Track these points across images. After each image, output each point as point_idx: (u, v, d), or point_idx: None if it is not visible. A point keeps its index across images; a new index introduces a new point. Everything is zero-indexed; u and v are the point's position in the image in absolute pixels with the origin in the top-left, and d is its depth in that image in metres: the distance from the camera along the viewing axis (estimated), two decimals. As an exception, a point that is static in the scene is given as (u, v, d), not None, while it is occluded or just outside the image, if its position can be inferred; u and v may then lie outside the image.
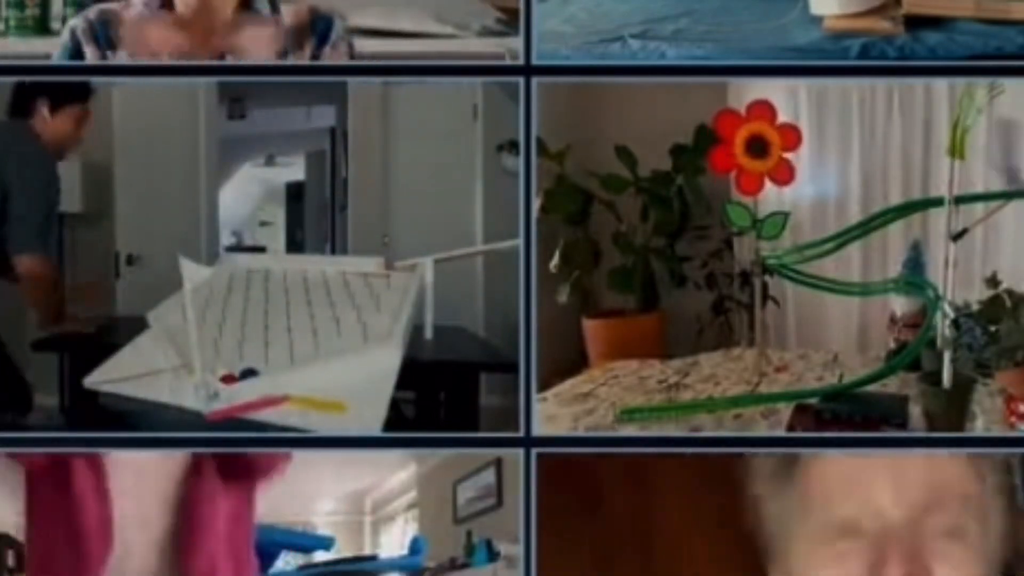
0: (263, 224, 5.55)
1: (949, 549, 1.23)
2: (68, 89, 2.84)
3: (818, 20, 2.25)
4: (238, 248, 4.97)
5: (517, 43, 1.99)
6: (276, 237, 5.42)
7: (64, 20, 2.67)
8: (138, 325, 2.44)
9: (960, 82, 2.19)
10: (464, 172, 3.91)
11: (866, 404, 2.16)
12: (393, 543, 3.70)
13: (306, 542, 3.23)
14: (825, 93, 3.38)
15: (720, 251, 3.53)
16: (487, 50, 2.66)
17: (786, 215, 2.52)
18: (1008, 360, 1.97)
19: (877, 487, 1.24)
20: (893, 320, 2.73)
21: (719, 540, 1.93)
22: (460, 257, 3.32)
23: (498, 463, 2.99)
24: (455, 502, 3.29)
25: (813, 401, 2.21)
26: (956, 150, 2.07)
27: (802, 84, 3.25)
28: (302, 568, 3.13)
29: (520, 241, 1.96)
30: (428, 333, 2.95)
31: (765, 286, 2.72)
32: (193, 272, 1.86)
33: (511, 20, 2.54)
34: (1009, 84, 2.08)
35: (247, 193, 5.41)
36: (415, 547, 3.21)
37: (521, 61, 1.97)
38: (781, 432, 2.08)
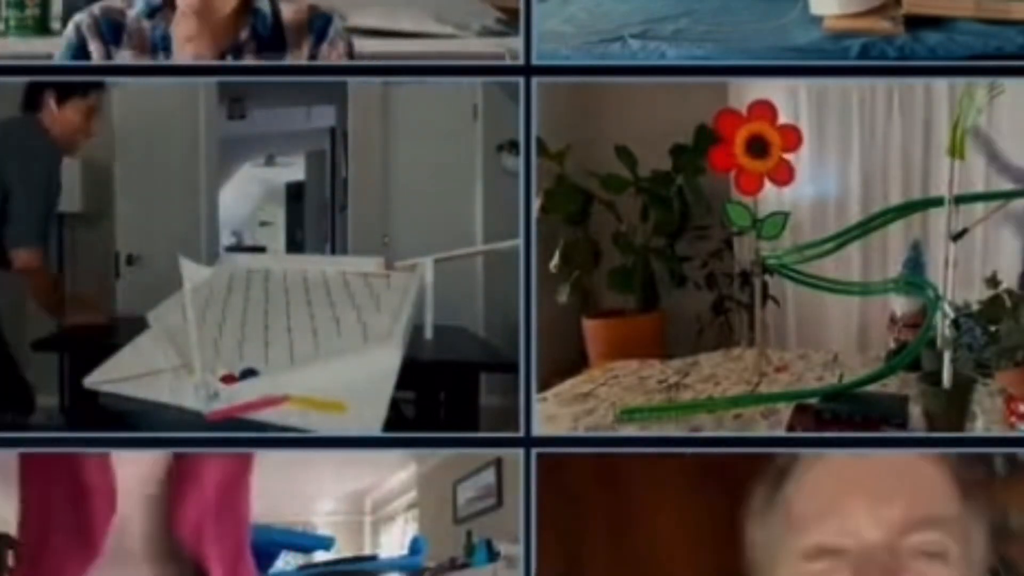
0: (263, 224, 5.56)
1: (929, 570, 1.23)
2: (75, 82, 2.84)
3: (818, 20, 2.25)
4: (238, 248, 4.97)
5: (517, 43, 1.98)
6: (276, 237, 5.43)
7: (64, 20, 2.67)
8: (138, 325, 2.44)
9: (960, 82, 2.19)
10: (464, 172, 3.92)
11: (866, 404, 2.16)
12: (393, 543, 3.71)
13: (306, 542, 3.24)
14: (825, 93, 3.37)
15: (720, 251, 3.52)
16: (487, 50, 2.66)
17: (786, 215, 2.52)
18: (1008, 360, 1.97)
19: (856, 508, 1.24)
20: (893, 320, 2.73)
21: (704, 546, 1.93)
22: (460, 257, 3.32)
23: (498, 463, 3.00)
24: (455, 502, 3.30)
25: (813, 401, 2.21)
26: (956, 150, 2.07)
27: (802, 84, 3.24)
28: (302, 568, 3.13)
29: (520, 241, 1.96)
30: (428, 333, 2.94)
31: (765, 286, 2.72)
32: (193, 272, 1.86)
33: (511, 20, 2.54)
34: (1009, 84, 2.09)
35: (247, 193, 5.41)
36: (415, 547, 3.21)
37: (521, 61, 1.96)
38: (781, 432, 2.08)
